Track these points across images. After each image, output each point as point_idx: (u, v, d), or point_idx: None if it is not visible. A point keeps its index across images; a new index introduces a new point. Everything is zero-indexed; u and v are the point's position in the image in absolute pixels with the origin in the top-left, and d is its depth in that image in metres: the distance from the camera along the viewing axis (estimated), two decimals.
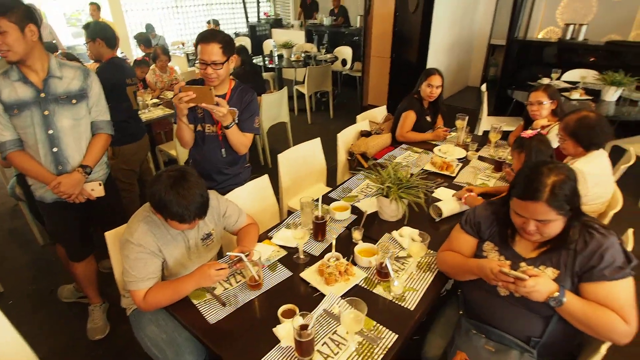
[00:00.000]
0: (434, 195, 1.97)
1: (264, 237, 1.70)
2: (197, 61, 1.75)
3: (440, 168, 2.21)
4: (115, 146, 2.55)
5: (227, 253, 1.45)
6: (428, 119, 2.76)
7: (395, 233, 1.65)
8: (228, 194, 1.84)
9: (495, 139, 2.43)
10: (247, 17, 8.42)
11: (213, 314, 1.31)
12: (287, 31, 7.74)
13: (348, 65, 6.16)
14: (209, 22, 7.19)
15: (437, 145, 2.57)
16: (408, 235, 1.61)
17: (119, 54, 2.80)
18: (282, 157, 2.31)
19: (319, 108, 5.95)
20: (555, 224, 1.09)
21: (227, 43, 1.73)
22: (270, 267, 1.52)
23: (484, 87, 3.81)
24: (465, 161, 2.37)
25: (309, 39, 7.18)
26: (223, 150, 1.96)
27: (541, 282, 1.07)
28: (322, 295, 1.35)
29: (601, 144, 1.75)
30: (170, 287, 1.34)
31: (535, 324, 1.19)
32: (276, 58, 5.80)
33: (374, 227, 1.75)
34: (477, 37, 6.64)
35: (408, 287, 1.39)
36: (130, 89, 2.54)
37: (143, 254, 1.34)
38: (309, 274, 1.45)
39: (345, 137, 2.74)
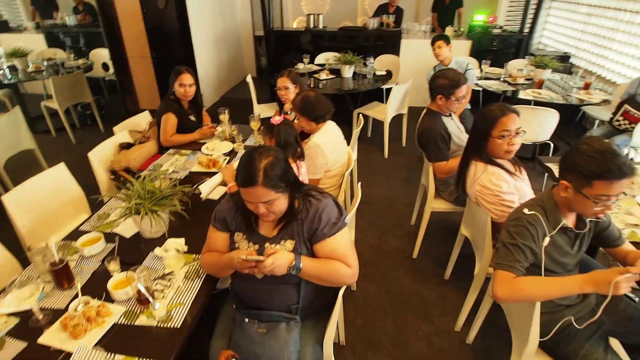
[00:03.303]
0: (201, 195, 1.93)
1: None
2: None
3: (207, 167, 2.19)
4: None
5: None
6: (192, 118, 2.69)
7: (158, 250, 1.53)
8: None
9: (256, 126, 2.57)
10: None
11: None
12: (20, 35, 6.25)
13: (111, 70, 5.44)
14: None
15: (205, 143, 2.54)
16: (173, 248, 1.52)
17: None
18: (7, 199, 1.83)
19: (85, 123, 5.09)
20: (279, 201, 1.20)
21: None
22: None
23: (248, 78, 3.99)
24: (232, 154, 2.42)
25: (56, 43, 5.99)
26: None
27: (279, 257, 1.17)
28: (70, 355, 1.13)
29: (324, 115, 2.06)
30: None
31: (291, 293, 1.30)
32: (7, 71, 4.60)
33: (137, 249, 1.59)
34: (243, 30, 6.90)
35: (175, 302, 1.31)
36: None
37: None
38: (50, 336, 1.19)
39: (102, 154, 2.39)
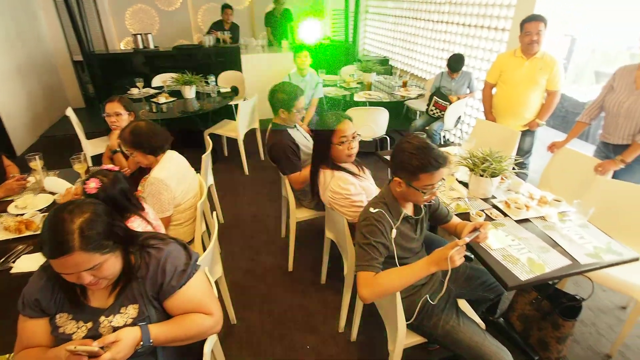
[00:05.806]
0: (16, 271, 1.52)
1: None
2: None
3: (18, 231, 1.73)
4: None
5: None
6: None
7: None
8: None
9: (82, 169, 2.17)
10: None
11: None
12: None
13: None
14: None
15: (13, 201, 2.02)
16: None
17: None
18: None
19: None
20: (108, 263, 0.99)
21: None
22: None
23: (69, 111, 3.40)
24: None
25: None
26: None
27: (122, 345, 0.95)
28: None
29: (162, 145, 1.85)
30: None
31: None
32: None
33: None
34: (57, 56, 5.88)
35: None
36: None
37: None
38: None
39: None
